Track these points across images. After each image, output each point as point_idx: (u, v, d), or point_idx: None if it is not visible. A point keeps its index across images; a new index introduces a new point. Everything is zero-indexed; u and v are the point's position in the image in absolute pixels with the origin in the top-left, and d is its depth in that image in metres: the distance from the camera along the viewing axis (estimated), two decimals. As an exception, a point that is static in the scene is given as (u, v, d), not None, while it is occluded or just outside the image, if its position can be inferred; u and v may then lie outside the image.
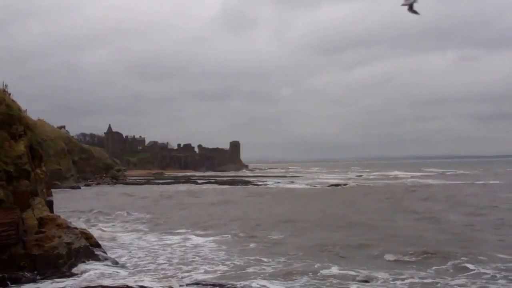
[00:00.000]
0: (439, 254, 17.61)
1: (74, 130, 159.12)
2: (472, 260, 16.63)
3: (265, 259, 17.67)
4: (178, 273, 15.91)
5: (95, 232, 21.24)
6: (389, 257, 17.60)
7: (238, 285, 13.92)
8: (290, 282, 14.42)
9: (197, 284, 14.31)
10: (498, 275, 14.70)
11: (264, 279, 14.72)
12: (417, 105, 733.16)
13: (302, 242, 21.25)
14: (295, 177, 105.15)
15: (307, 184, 73.66)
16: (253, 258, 17.96)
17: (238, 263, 17.22)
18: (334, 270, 15.69)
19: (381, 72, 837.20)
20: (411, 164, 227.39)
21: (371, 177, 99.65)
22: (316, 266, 16.26)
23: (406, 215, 30.66)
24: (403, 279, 14.50)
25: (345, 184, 69.06)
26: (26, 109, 20.27)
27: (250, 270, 16.08)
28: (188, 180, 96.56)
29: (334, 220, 28.48)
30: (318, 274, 15.23)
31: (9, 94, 18.22)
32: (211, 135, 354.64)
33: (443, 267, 16.05)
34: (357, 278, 14.63)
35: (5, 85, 18.19)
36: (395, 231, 23.63)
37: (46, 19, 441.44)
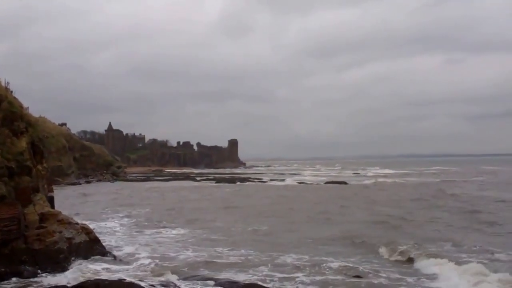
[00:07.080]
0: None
1: (75, 128, 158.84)
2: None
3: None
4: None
5: (94, 227, 21.54)
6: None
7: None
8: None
9: (192, 276, 14.70)
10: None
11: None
12: (409, 105, 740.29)
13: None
14: (294, 174, 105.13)
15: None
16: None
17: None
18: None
19: (373, 74, 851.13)
20: (404, 162, 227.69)
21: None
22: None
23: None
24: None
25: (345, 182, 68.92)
26: (28, 107, 20.61)
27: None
28: (187, 177, 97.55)
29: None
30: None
31: (11, 91, 18.53)
32: (210, 134, 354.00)
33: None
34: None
35: (7, 82, 18.51)
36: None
37: (55, 24, 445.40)
